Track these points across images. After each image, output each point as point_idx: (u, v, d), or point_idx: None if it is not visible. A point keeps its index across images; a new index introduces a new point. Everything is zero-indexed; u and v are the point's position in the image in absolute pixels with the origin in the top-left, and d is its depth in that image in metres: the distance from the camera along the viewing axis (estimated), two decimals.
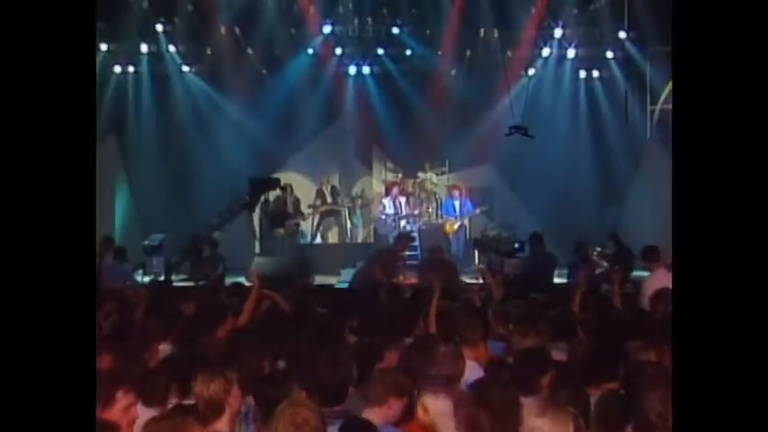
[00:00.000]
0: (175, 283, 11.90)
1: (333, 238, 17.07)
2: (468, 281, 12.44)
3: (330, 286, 12.18)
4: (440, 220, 16.19)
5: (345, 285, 11.73)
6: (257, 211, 14.88)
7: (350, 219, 16.93)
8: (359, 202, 17.04)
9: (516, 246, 13.11)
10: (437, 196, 16.76)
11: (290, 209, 15.28)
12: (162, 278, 12.21)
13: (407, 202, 16.04)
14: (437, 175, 17.09)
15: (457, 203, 15.71)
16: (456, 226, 15.52)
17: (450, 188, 16.35)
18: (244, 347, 5.05)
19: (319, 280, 13.29)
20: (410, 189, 16.89)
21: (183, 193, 16.45)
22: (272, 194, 14.75)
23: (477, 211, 15.76)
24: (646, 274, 9.67)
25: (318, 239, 16.62)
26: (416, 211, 16.21)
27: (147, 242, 14.12)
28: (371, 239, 16.67)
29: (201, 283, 12.10)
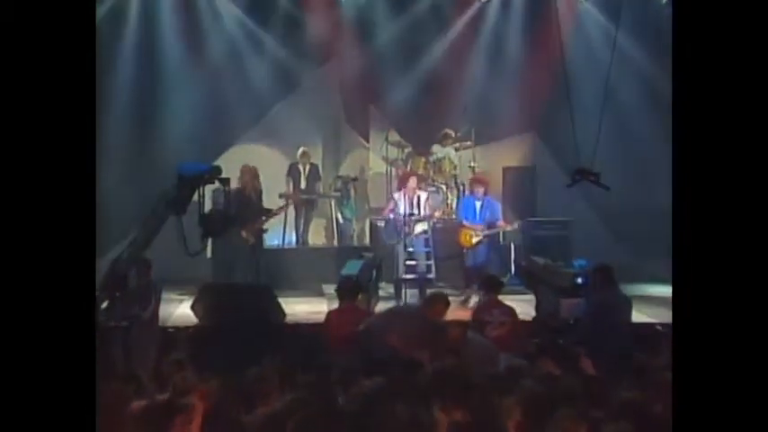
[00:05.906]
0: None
1: (315, 237, 13.14)
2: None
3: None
4: (455, 219, 11.74)
5: None
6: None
7: (339, 210, 12.95)
8: (352, 186, 12.91)
9: (579, 281, 9.67)
10: (458, 182, 12.55)
11: (244, 209, 10.96)
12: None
13: (428, 199, 10.97)
14: (457, 150, 12.79)
15: (478, 205, 11.05)
16: (474, 240, 10.86)
17: (472, 181, 11.66)
18: None
19: (293, 308, 9.68)
20: (422, 171, 12.53)
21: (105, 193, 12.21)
22: (210, 190, 10.27)
23: (502, 223, 11.01)
24: None
25: (293, 241, 12.65)
26: (437, 212, 11.40)
27: None
28: (367, 240, 12.83)
29: (125, 323, 8.71)
